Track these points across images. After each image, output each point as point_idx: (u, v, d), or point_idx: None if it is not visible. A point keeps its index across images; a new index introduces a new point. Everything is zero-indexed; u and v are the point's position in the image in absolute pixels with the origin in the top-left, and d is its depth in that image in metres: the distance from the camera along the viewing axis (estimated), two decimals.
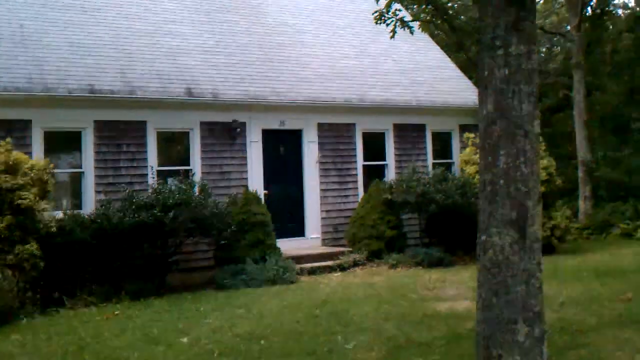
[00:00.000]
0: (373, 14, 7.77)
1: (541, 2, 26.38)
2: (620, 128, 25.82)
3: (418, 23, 8.93)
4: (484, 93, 5.42)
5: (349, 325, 8.12)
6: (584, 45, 22.35)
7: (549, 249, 14.63)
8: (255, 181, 13.89)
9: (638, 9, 29.64)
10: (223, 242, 11.92)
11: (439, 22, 8.88)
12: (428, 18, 8.83)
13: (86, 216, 11.22)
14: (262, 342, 7.46)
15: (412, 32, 8.17)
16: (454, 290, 10.50)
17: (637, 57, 27.60)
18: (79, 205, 12.19)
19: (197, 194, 11.83)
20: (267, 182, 14.19)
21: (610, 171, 21.84)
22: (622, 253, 14.55)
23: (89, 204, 12.17)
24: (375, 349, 7.02)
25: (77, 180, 12.50)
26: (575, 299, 9.28)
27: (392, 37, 7.76)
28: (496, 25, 5.38)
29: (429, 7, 7.93)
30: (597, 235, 19.32)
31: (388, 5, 7.48)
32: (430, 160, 16.30)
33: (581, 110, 21.19)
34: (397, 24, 7.66)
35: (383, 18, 7.65)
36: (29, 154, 11.32)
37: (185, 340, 7.70)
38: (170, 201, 11.12)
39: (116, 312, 9.36)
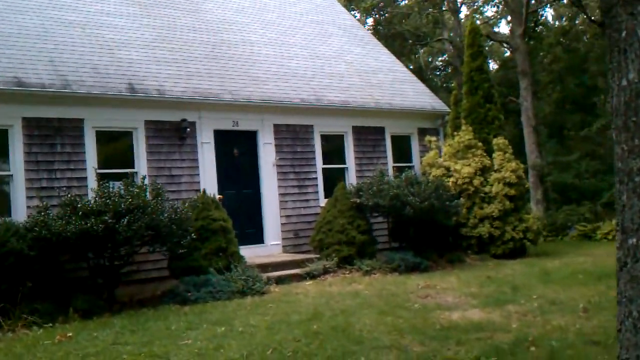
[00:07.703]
0: None
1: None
2: (557, 134, 26.14)
3: None
4: (621, 59, 4.18)
5: (362, 343, 6.73)
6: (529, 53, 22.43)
7: (521, 251, 14.11)
8: (208, 185, 12.41)
9: (566, 22, 30.32)
10: (181, 251, 10.37)
11: None
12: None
13: (20, 224, 9.42)
14: None
15: None
16: (451, 297, 9.41)
17: (566, 68, 28.20)
18: (7, 212, 10.36)
19: (149, 198, 10.25)
20: (221, 186, 12.78)
21: (561, 175, 21.87)
22: (597, 254, 14.01)
23: (20, 211, 10.41)
24: None
25: (4, 184, 10.65)
26: (595, 304, 8.32)
27: None
28: None
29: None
30: (554, 238, 19.19)
31: None
32: (390, 163, 15.44)
33: (529, 116, 21.11)
34: None
35: None
36: None
37: None
38: (123, 206, 9.54)
39: (69, 334, 7.60)
